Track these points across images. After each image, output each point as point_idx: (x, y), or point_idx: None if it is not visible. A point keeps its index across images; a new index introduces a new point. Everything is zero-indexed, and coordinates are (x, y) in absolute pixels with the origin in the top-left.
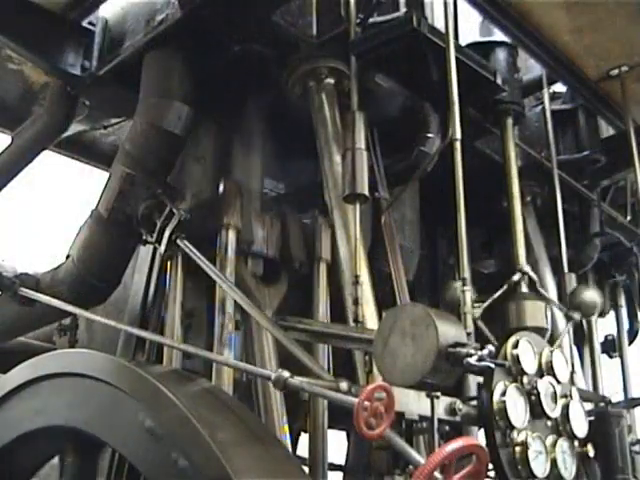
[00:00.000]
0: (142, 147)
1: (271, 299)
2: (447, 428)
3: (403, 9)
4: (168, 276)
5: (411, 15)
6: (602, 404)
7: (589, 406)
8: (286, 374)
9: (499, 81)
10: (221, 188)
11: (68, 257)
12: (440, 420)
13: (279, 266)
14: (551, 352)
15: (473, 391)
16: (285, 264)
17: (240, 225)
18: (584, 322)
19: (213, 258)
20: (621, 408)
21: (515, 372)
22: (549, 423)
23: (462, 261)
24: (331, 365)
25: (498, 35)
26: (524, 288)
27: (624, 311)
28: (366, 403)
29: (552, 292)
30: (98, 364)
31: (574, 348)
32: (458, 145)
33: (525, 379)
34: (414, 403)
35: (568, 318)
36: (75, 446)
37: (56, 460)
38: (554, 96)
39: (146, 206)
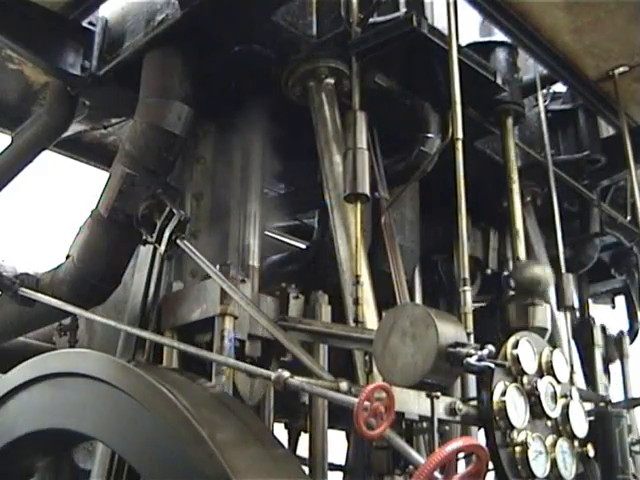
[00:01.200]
0: (142, 147)
1: (255, 392)
2: (447, 428)
3: (403, 9)
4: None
5: (411, 15)
6: (602, 404)
7: (589, 406)
8: (286, 374)
9: (499, 81)
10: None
11: (68, 257)
12: (440, 420)
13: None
14: (551, 352)
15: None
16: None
17: (237, 312)
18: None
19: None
20: (621, 408)
21: (515, 372)
22: (549, 423)
23: (462, 261)
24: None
25: (498, 35)
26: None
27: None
28: (366, 403)
29: (552, 292)
30: (98, 364)
31: (574, 348)
32: (460, 144)
33: (525, 379)
34: (414, 403)
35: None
36: None
37: None
38: (554, 96)
39: (146, 206)
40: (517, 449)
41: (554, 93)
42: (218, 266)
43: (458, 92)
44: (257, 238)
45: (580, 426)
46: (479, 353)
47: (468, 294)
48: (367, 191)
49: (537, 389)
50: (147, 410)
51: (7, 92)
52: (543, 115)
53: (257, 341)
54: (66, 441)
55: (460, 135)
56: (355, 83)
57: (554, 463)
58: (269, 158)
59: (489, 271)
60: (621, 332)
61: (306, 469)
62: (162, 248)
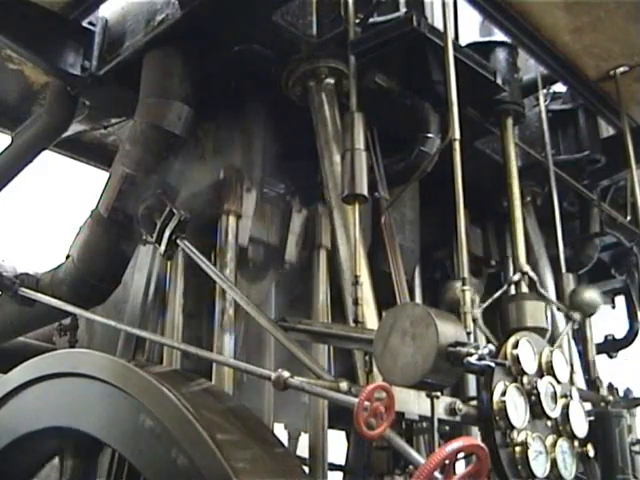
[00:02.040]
0: (142, 147)
1: (250, 299)
2: (447, 428)
3: (403, 9)
4: (168, 276)
5: (411, 15)
6: (602, 404)
7: (589, 406)
8: (286, 374)
9: (499, 81)
10: (221, 174)
11: (68, 257)
12: (440, 420)
13: (274, 257)
14: (551, 352)
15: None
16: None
17: (240, 211)
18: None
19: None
20: (621, 408)
21: (515, 372)
22: (549, 423)
23: (462, 261)
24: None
25: (498, 35)
26: (524, 288)
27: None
28: (366, 403)
29: (552, 292)
30: (98, 364)
31: (574, 348)
32: (457, 145)
33: (525, 379)
34: (414, 403)
35: (568, 318)
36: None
37: (56, 460)
38: (554, 96)
39: (146, 206)
40: (517, 449)
41: (554, 93)
42: (222, 171)
43: (455, 93)
44: (260, 152)
45: (580, 426)
46: (479, 352)
47: (468, 294)
48: (365, 192)
49: (537, 389)
50: (147, 410)
51: (7, 92)
52: (544, 115)
53: (259, 245)
54: (67, 441)
55: (457, 136)
56: (353, 84)
57: (554, 463)
58: (269, 158)
59: (493, 262)
60: (628, 390)
61: (306, 469)
62: (162, 248)
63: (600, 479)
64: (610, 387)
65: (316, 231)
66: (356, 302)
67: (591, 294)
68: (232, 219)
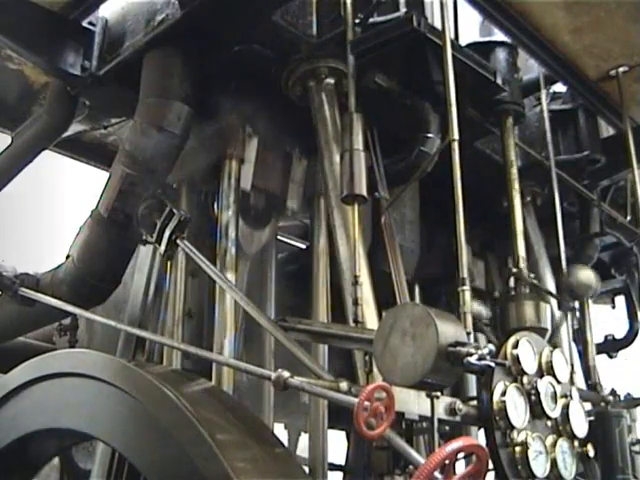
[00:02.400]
0: (142, 147)
1: (253, 244)
2: (447, 428)
3: (403, 9)
4: (168, 276)
5: (411, 15)
6: (602, 404)
7: (589, 406)
8: (286, 374)
9: (499, 81)
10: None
11: (68, 257)
12: (440, 420)
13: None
14: (551, 352)
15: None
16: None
17: (243, 156)
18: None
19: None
20: (621, 408)
21: (515, 372)
22: (549, 423)
23: (462, 261)
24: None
25: (498, 35)
26: (524, 288)
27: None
28: (366, 403)
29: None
30: (98, 364)
31: (574, 348)
32: (456, 146)
33: (525, 379)
34: (414, 403)
35: (562, 305)
36: None
37: (56, 460)
38: (554, 96)
39: (146, 206)
40: (517, 449)
41: (554, 93)
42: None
43: (454, 93)
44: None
45: (580, 426)
46: (479, 352)
47: (467, 294)
48: (364, 192)
49: (537, 389)
50: (147, 410)
51: (7, 92)
52: (546, 115)
53: (262, 193)
54: (67, 441)
55: (456, 136)
56: (352, 85)
57: (554, 463)
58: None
59: (497, 294)
60: (629, 395)
61: (306, 469)
62: (162, 248)
63: (600, 479)
64: (612, 393)
65: (316, 179)
66: (356, 302)
67: (587, 274)
68: (234, 163)
